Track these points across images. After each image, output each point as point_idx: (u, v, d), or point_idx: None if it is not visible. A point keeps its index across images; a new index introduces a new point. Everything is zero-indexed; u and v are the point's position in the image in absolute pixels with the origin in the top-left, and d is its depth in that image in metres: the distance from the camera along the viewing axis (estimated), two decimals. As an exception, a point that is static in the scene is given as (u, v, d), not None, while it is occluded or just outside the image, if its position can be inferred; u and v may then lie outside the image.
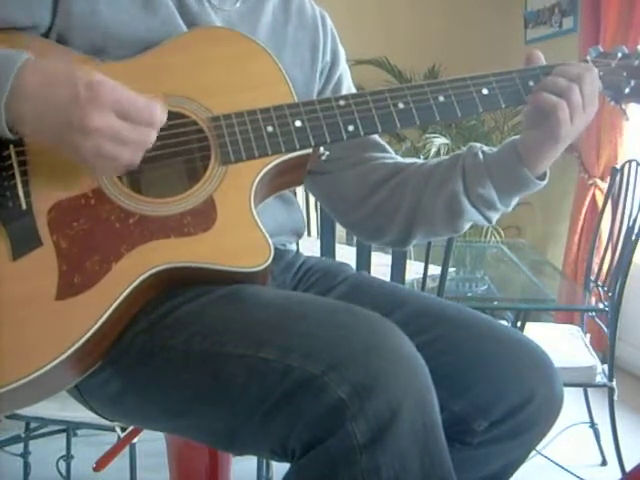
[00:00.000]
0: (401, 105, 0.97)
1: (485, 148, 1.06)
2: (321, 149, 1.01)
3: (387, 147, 1.19)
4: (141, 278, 0.85)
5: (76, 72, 0.80)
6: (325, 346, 0.77)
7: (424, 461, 0.76)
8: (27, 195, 0.86)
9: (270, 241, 0.89)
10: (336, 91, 1.17)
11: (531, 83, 0.99)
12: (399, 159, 1.17)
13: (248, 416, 0.80)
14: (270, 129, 0.92)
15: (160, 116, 0.83)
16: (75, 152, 0.81)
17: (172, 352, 0.85)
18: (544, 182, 1.03)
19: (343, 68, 1.19)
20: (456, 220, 1.08)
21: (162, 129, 0.90)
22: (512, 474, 1.01)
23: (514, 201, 1.07)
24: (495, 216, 1.08)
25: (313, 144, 0.94)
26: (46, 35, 0.93)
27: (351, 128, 0.95)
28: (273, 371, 0.77)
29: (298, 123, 0.94)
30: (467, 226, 1.10)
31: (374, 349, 0.77)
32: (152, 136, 0.83)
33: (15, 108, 0.79)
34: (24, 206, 0.85)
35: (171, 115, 0.91)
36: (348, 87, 1.20)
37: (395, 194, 1.11)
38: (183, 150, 0.92)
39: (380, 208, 1.13)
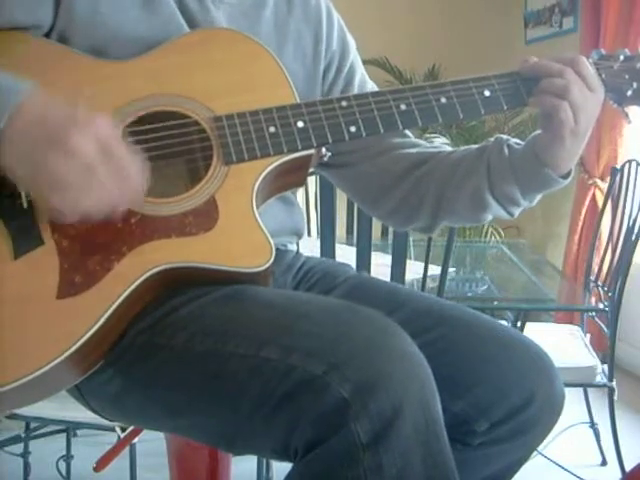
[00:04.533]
0: (403, 106, 0.97)
1: (512, 141, 1.05)
2: (323, 150, 1.01)
3: (408, 133, 1.17)
4: (142, 278, 0.85)
5: (79, 103, 0.79)
6: (327, 345, 0.77)
7: (427, 459, 0.76)
8: (28, 194, 0.85)
9: (272, 242, 0.89)
10: (349, 81, 1.16)
11: (532, 84, 0.99)
12: (422, 145, 1.16)
13: (250, 416, 0.80)
14: (272, 129, 0.93)
15: (139, 181, 0.80)
16: (38, 173, 0.76)
17: (173, 352, 0.85)
18: (568, 180, 1.02)
19: (354, 57, 1.18)
20: (479, 213, 1.08)
21: (165, 128, 0.90)
22: (513, 475, 1.01)
23: (538, 197, 1.06)
24: (518, 210, 1.08)
25: (315, 145, 0.94)
26: (48, 35, 0.93)
27: (353, 129, 0.95)
28: (275, 371, 0.77)
29: (300, 124, 0.94)
30: (490, 217, 1.10)
31: (376, 348, 0.77)
32: (125, 194, 0.80)
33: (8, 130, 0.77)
34: (25, 205, 0.85)
35: (173, 115, 0.92)
36: (362, 75, 1.19)
37: (421, 185, 1.11)
38: (185, 150, 0.92)
39: (406, 198, 1.12)
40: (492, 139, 1.08)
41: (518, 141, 1.06)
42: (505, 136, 1.07)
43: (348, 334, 0.78)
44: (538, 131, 1.02)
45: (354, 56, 1.19)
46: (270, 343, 0.79)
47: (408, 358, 0.78)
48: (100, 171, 0.77)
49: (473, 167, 1.06)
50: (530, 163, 1.01)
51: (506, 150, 1.04)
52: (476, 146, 1.10)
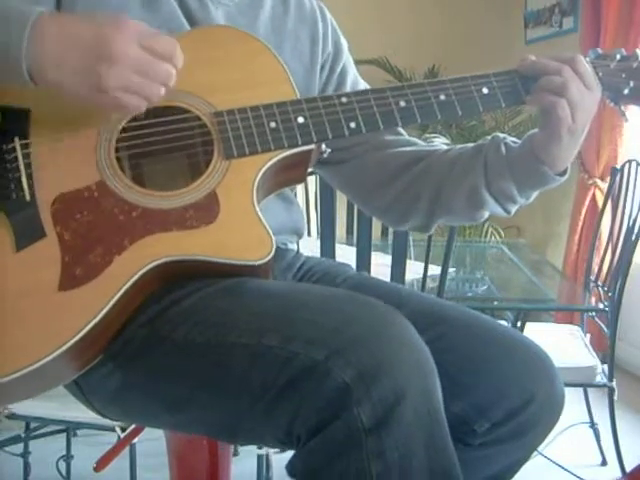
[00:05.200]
0: (402, 103, 0.97)
1: (508, 140, 1.06)
2: (323, 146, 1.02)
3: (401, 131, 1.18)
4: (143, 271, 0.85)
5: (97, 12, 0.84)
6: (328, 332, 0.78)
7: (428, 445, 0.76)
8: (31, 187, 0.86)
9: (272, 235, 0.89)
10: (341, 81, 1.17)
11: (530, 82, 0.99)
12: (419, 144, 1.17)
13: (252, 405, 0.80)
14: (273, 125, 0.93)
15: (179, 52, 0.85)
16: (98, 85, 0.80)
17: (174, 344, 0.86)
18: (564, 177, 1.03)
19: (347, 58, 1.20)
20: (476, 210, 1.09)
21: (166, 123, 0.91)
22: (514, 475, 1.01)
23: (534, 194, 1.07)
24: (514, 208, 1.09)
25: (315, 140, 0.95)
26: None
27: (353, 125, 0.96)
28: (277, 358, 0.78)
29: (301, 119, 0.94)
30: (486, 216, 1.11)
31: (378, 334, 0.77)
32: (172, 71, 0.84)
33: (36, 48, 0.80)
34: (28, 198, 0.86)
35: (174, 110, 0.92)
36: (354, 76, 1.20)
37: (417, 182, 1.11)
38: (186, 144, 0.93)
39: (402, 196, 1.13)
40: (489, 137, 1.08)
41: (515, 139, 1.07)
42: (502, 134, 1.08)
43: (349, 321, 0.79)
44: (535, 130, 1.02)
45: (346, 57, 1.20)
46: (271, 332, 0.80)
47: (410, 344, 0.79)
48: (151, 64, 0.82)
49: (470, 164, 1.07)
50: (527, 160, 1.01)
51: (503, 148, 1.05)
52: (473, 144, 1.10)
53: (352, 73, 1.20)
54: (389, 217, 1.20)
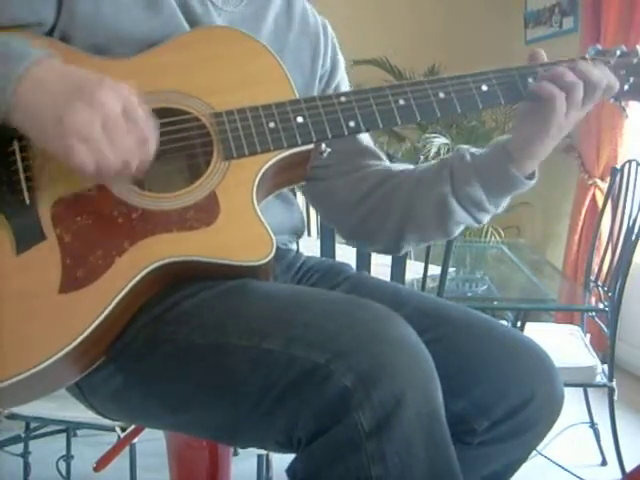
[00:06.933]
0: (402, 101, 0.97)
1: (473, 150, 1.06)
2: (323, 146, 1.01)
3: (382, 156, 1.19)
4: (144, 272, 0.85)
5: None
6: (329, 335, 0.77)
7: (429, 448, 0.76)
8: (31, 190, 0.86)
9: (272, 236, 0.89)
10: None
11: (530, 80, 0.99)
12: (394, 167, 1.17)
13: (252, 408, 0.80)
14: (272, 125, 0.93)
15: (153, 146, 0.83)
16: (61, 117, 0.77)
17: (175, 345, 0.86)
18: (533, 181, 1.03)
19: (342, 76, 1.20)
20: (446, 222, 1.08)
21: (165, 125, 0.90)
22: (513, 474, 1.01)
23: (504, 202, 1.06)
24: (485, 217, 1.08)
25: (315, 140, 0.95)
26: (50, 33, 0.93)
27: (352, 124, 0.96)
28: (277, 362, 0.78)
29: (300, 119, 0.94)
30: (458, 230, 1.10)
31: (378, 337, 0.77)
32: (140, 155, 0.81)
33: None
34: (28, 201, 0.86)
35: (174, 112, 0.92)
36: None
37: (386, 199, 1.11)
38: (186, 145, 0.93)
39: (372, 214, 1.12)
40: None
41: (479, 150, 1.06)
42: (466, 146, 1.08)
43: (350, 324, 0.79)
44: (503, 136, 1.03)
45: (342, 75, 1.20)
46: (272, 335, 0.80)
47: (409, 347, 0.79)
48: (122, 128, 0.79)
49: (436, 177, 1.07)
50: (496, 163, 1.01)
51: (468, 156, 1.05)
52: (438, 160, 1.11)
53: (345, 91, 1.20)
54: (359, 237, 1.19)
